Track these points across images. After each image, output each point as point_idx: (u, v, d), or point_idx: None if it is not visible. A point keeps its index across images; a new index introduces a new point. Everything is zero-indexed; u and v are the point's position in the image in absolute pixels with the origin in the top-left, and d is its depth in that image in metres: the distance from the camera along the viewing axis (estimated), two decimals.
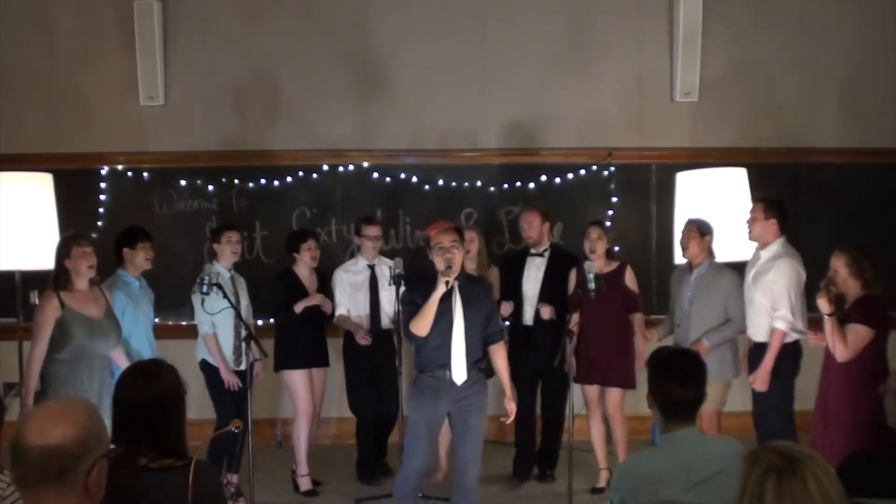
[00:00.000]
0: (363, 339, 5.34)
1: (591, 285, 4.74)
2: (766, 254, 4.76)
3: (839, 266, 4.30)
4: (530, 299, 5.40)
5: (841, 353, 4.22)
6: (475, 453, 4.20)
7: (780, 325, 4.62)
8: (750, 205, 5.01)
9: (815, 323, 4.69)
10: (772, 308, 4.65)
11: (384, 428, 5.65)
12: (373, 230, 5.52)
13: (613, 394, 5.24)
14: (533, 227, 5.42)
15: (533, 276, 5.41)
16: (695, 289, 4.99)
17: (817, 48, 6.62)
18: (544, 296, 5.35)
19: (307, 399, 5.31)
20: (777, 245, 4.75)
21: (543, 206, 5.67)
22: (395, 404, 5.32)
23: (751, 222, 4.81)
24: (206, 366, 5.09)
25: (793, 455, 1.79)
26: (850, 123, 6.60)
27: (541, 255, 5.44)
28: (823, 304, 4.23)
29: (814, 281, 4.70)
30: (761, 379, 4.66)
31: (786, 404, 4.73)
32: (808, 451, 1.82)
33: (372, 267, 5.53)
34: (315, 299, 5.28)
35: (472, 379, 4.17)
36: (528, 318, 5.41)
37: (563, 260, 5.45)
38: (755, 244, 4.95)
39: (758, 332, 4.77)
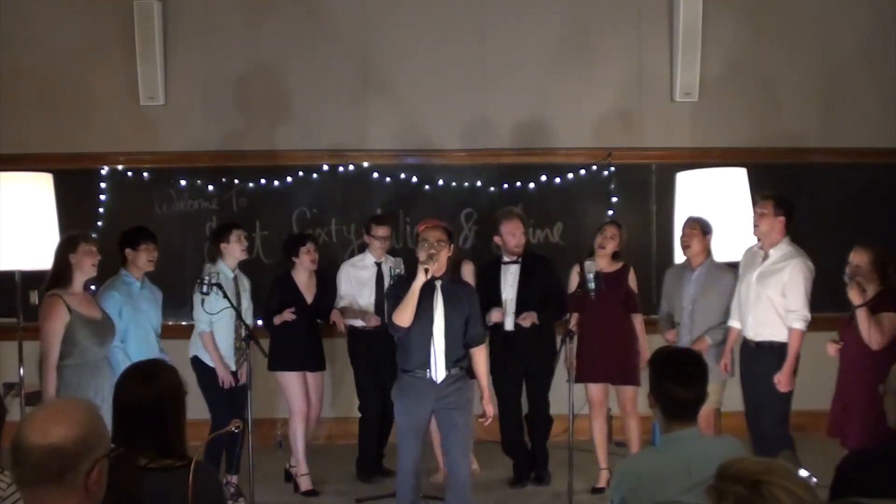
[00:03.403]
0: (373, 320, 5.35)
1: (592, 285, 4.75)
2: (775, 253, 4.75)
3: (862, 261, 4.36)
4: (510, 306, 5.39)
5: (878, 341, 4.26)
6: (464, 450, 4.29)
7: (800, 325, 4.64)
8: (754, 201, 5.02)
9: (824, 323, 4.72)
10: (786, 308, 4.66)
11: (388, 424, 5.66)
12: (382, 230, 5.52)
13: (626, 391, 5.26)
14: (517, 235, 5.38)
15: (510, 283, 5.40)
16: (697, 288, 4.99)
17: (817, 48, 6.62)
18: (522, 300, 5.33)
19: (301, 398, 5.32)
20: (786, 244, 4.76)
21: (520, 211, 5.67)
22: None
23: (758, 217, 4.80)
24: (197, 362, 5.09)
25: (755, 477, 1.69)
26: (849, 123, 6.60)
27: (515, 261, 5.43)
28: (855, 296, 4.28)
29: (816, 281, 4.72)
30: (785, 381, 4.65)
31: (786, 402, 4.74)
32: (767, 464, 1.73)
33: (378, 264, 5.54)
34: (285, 316, 5.25)
35: (454, 378, 4.24)
36: (508, 324, 5.38)
37: (537, 263, 5.45)
38: (753, 242, 4.96)
39: (762, 332, 4.75)
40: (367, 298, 5.51)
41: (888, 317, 4.28)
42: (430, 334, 4.18)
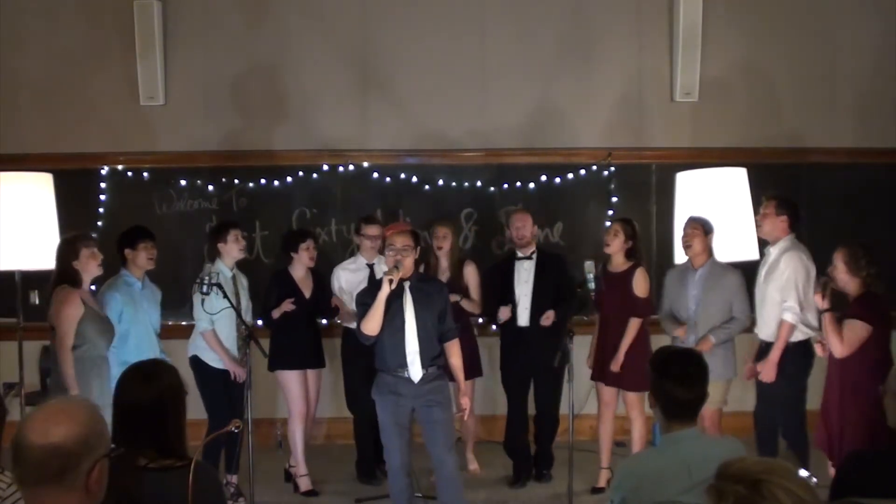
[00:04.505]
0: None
1: (591, 285, 4.75)
2: (775, 250, 4.81)
3: (838, 262, 4.34)
4: (523, 302, 5.40)
5: (837, 349, 4.26)
6: (447, 444, 4.36)
7: (788, 317, 4.66)
8: (756, 202, 5.07)
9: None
10: (781, 301, 4.68)
11: None
12: (372, 230, 5.51)
13: (630, 394, 5.25)
14: (526, 227, 5.43)
15: (524, 279, 5.42)
16: (700, 288, 4.99)
17: (817, 48, 6.62)
18: (537, 299, 5.36)
19: (301, 399, 5.31)
20: (785, 241, 4.80)
21: (532, 209, 5.68)
22: None
23: (761, 218, 4.86)
24: (196, 362, 5.08)
25: (755, 477, 1.69)
26: (850, 123, 6.59)
27: (529, 257, 5.45)
28: (818, 299, 4.31)
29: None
30: (768, 371, 4.67)
31: (797, 404, 4.76)
32: (767, 464, 1.74)
33: (371, 266, 5.53)
34: (284, 307, 5.24)
35: (431, 375, 4.32)
36: (521, 320, 5.41)
37: (551, 261, 5.49)
38: (756, 245, 4.97)
39: (770, 332, 4.78)
40: None
41: (852, 325, 4.24)
42: (402, 337, 4.27)
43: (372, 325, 4.24)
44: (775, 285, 4.72)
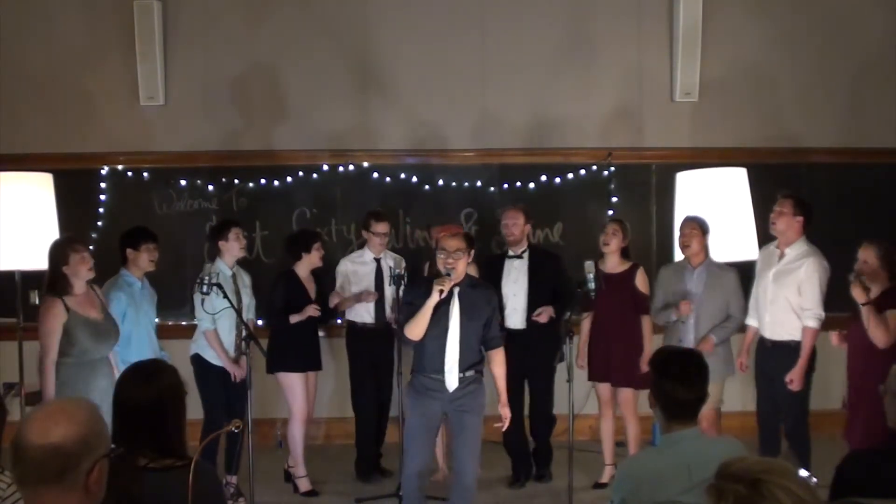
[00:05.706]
0: (369, 297, 5.37)
1: (591, 285, 4.75)
2: (792, 252, 4.80)
3: (869, 257, 4.36)
4: (513, 302, 5.35)
5: (882, 340, 4.25)
6: (473, 452, 4.26)
7: (813, 324, 4.69)
8: (756, 202, 5.06)
9: (829, 323, 4.74)
10: (801, 307, 4.69)
11: (384, 424, 5.66)
12: (381, 227, 5.51)
13: (625, 393, 5.25)
14: (517, 225, 5.38)
15: (514, 279, 5.37)
16: (700, 287, 5.00)
17: (817, 48, 6.62)
18: (533, 300, 5.31)
19: (302, 400, 5.29)
20: (802, 243, 4.81)
21: (526, 206, 5.63)
22: (390, 401, 5.43)
23: (777, 216, 4.85)
24: (198, 360, 5.07)
25: (755, 476, 1.69)
26: (850, 123, 6.60)
27: (519, 256, 5.41)
28: (859, 294, 4.25)
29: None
30: (798, 379, 4.68)
31: (803, 404, 4.77)
32: (767, 464, 1.74)
33: (378, 260, 5.53)
34: (309, 311, 5.22)
35: (468, 380, 4.22)
36: (511, 321, 5.33)
37: (544, 260, 5.44)
38: (756, 245, 4.97)
39: (778, 331, 4.79)
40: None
41: (894, 314, 4.27)
42: (444, 342, 4.16)
43: (417, 330, 4.15)
44: (793, 289, 4.73)
